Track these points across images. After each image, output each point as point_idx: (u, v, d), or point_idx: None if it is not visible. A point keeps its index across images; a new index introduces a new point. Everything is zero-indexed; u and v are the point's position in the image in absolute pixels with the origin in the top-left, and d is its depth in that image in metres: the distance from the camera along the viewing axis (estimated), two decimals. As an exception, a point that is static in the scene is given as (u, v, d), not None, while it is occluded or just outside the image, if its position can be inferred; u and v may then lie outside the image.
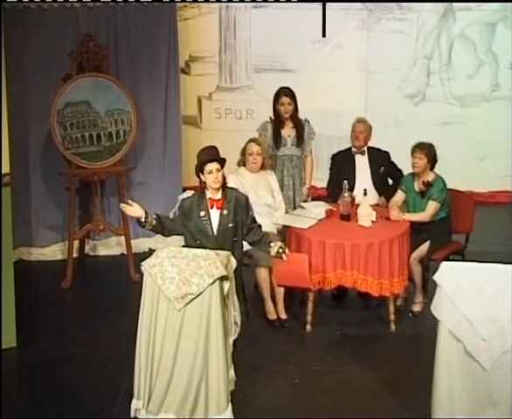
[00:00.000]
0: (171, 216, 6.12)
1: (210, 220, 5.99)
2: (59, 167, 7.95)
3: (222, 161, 5.95)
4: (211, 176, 5.91)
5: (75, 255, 8.13)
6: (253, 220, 6.16)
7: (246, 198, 6.15)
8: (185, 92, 9.02)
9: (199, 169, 5.95)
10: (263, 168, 7.07)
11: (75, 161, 7.83)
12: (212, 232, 5.96)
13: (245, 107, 9.21)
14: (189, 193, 6.23)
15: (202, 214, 5.99)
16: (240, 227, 6.06)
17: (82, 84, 7.79)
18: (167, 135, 8.60)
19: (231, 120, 9.24)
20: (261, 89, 8.94)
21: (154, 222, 5.93)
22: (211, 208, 6.01)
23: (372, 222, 6.79)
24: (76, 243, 8.17)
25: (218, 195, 6.01)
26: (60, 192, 8.14)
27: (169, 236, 6.18)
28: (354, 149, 7.42)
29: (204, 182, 5.97)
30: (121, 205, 6.03)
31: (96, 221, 7.99)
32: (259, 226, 6.22)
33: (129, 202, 6.00)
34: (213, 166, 5.89)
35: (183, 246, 5.75)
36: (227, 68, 9.24)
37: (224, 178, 6.00)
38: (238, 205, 6.05)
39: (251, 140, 7.07)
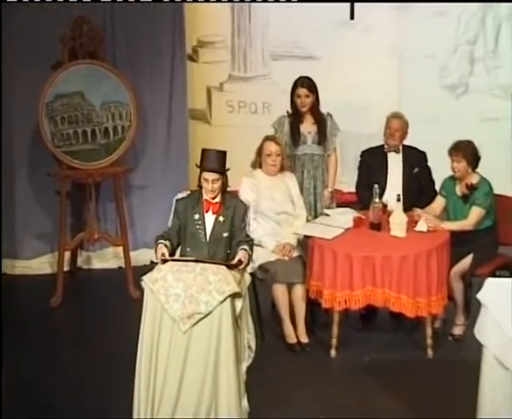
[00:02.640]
0: (169, 223, 6.08)
1: (204, 225, 5.94)
2: (48, 167, 7.97)
3: (223, 171, 5.91)
4: (206, 185, 5.89)
5: (66, 268, 8.16)
6: (246, 235, 6.02)
7: (246, 209, 6.10)
8: (193, 82, 9.03)
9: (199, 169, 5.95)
10: (281, 169, 7.03)
11: (67, 161, 7.86)
12: (205, 239, 5.87)
13: (260, 100, 9.21)
14: (184, 193, 6.18)
15: (196, 217, 5.94)
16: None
17: (75, 72, 7.84)
18: (171, 132, 8.64)
19: (244, 115, 9.24)
20: (279, 79, 8.93)
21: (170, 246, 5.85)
22: (207, 211, 5.96)
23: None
24: (67, 255, 8.20)
25: (216, 199, 5.95)
26: (50, 196, 8.18)
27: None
28: (387, 147, 7.39)
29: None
30: None
31: (90, 229, 8.02)
32: (249, 241, 6.05)
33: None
34: (209, 176, 5.86)
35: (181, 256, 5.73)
36: (241, 55, 9.24)
37: (224, 183, 5.96)
38: (237, 214, 6.00)
39: (268, 139, 7.01)
